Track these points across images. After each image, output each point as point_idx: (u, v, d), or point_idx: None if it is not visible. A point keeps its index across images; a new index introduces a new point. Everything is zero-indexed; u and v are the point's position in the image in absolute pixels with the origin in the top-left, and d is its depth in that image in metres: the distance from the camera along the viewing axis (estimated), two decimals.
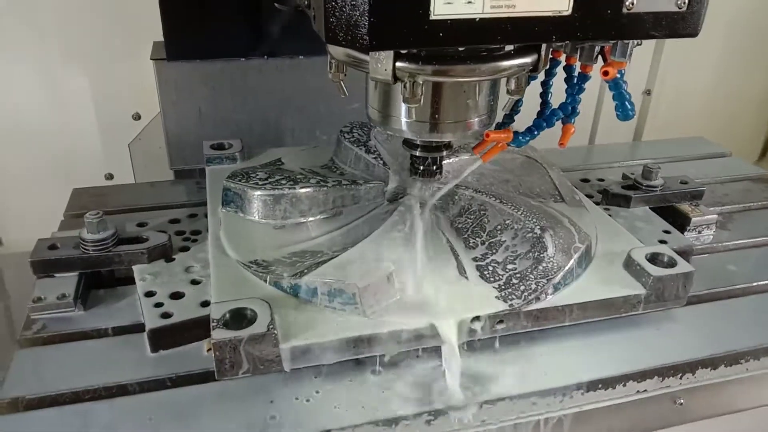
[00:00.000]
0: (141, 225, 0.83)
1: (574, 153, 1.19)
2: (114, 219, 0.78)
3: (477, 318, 0.65)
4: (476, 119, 0.66)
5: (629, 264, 0.72)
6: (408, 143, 0.72)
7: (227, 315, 0.61)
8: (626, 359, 0.68)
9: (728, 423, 0.74)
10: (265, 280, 0.68)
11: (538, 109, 0.72)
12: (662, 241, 0.84)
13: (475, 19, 0.50)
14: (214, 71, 1.04)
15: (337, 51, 0.61)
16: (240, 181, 0.80)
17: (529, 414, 0.64)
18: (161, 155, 1.10)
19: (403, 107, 0.65)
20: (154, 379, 0.64)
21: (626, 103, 0.66)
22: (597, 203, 0.92)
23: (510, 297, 0.67)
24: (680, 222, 0.92)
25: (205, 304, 0.69)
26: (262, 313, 0.61)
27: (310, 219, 0.78)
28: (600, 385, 0.66)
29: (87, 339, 0.69)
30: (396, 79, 0.56)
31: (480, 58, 0.58)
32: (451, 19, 0.49)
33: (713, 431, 0.75)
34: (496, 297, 0.66)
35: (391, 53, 0.54)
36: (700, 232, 0.92)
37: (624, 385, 0.67)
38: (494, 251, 0.72)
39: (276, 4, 0.95)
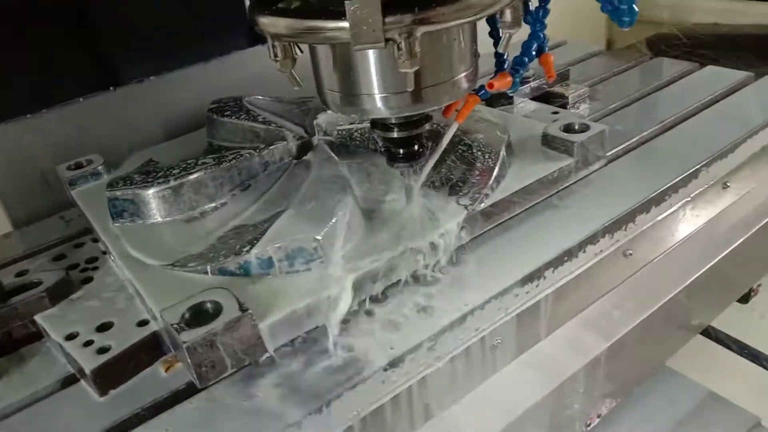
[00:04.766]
0: (21, 274, 0.69)
1: None
2: None
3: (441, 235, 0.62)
4: (463, 75, 0.57)
5: (548, 141, 0.74)
6: (379, 125, 0.59)
7: (186, 314, 0.52)
8: (573, 230, 0.68)
9: (670, 261, 0.78)
10: (206, 272, 0.60)
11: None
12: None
13: None
14: (48, 125, 0.88)
15: (278, 25, 0.51)
16: (125, 186, 0.69)
17: (515, 306, 0.63)
18: None
19: (375, 80, 0.54)
20: (120, 423, 0.53)
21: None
22: None
23: (462, 201, 0.65)
24: (559, 103, 0.96)
25: (143, 322, 0.59)
26: (225, 299, 0.53)
27: (221, 201, 0.70)
28: (565, 258, 0.67)
29: (8, 417, 0.56)
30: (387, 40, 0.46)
31: None
32: None
33: (660, 275, 0.79)
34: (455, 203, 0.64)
35: (378, 7, 0.45)
36: (578, 108, 0.97)
37: (584, 252, 0.68)
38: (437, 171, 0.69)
39: None
